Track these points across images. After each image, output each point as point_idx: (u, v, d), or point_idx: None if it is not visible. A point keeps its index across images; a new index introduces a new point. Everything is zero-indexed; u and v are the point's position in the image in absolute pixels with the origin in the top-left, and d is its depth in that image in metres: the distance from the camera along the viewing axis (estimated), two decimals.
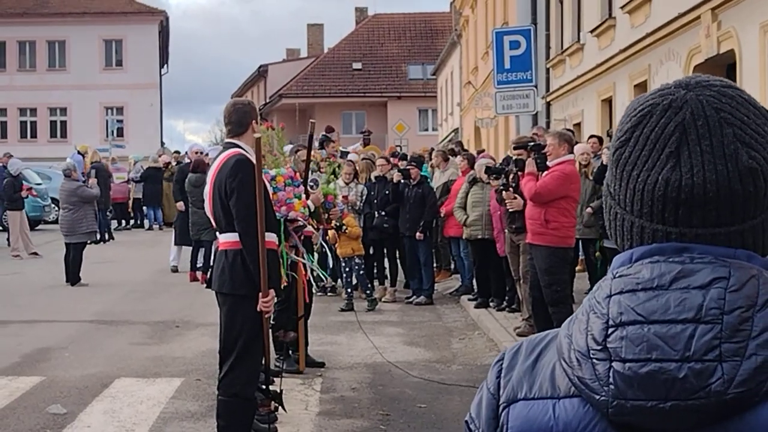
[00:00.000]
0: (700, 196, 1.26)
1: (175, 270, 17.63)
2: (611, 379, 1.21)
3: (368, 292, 13.77)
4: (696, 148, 1.27)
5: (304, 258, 7.76)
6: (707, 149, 1.26)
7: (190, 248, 16.82)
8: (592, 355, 1.23)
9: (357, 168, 15.08)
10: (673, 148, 1.28)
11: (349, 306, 13.22)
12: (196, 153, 18.52)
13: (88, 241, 17.10)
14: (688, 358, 1.18)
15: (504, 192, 10.66)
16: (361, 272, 13.75)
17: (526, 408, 1.31)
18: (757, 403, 1.16)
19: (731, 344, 1.17)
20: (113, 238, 25.21)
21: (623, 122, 1.35)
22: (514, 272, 11.19)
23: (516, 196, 10.42)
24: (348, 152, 18.53)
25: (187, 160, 19.64)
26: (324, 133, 21.29)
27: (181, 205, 17.72)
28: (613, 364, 1.21)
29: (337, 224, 13.25)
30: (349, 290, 13.59)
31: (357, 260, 13.67)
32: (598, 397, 1.22)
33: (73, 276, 16.14)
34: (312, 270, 7.87)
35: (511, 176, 10.72)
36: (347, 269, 13.64)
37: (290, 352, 9.02)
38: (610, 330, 1.23)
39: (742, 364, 1.16)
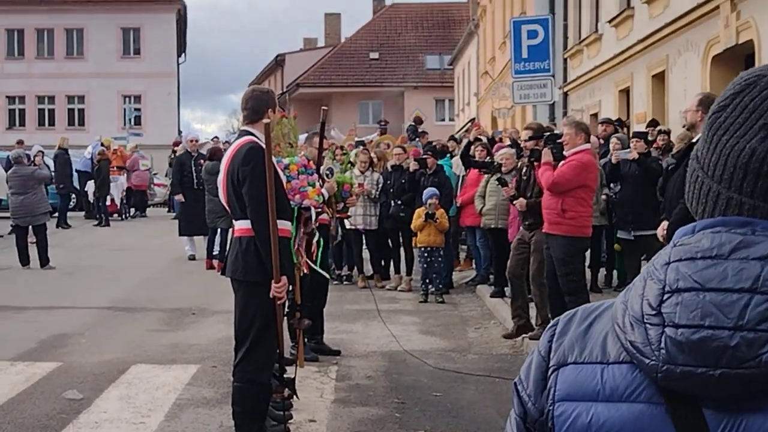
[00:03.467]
0: None
1: (192, 258, 17.67)
2: (662, 344, 1.22)
3: (441, 286, 13.51)
4: None
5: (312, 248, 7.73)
6: None
7: (204, 236, 16.87)
8: (645, 320, 1.24)
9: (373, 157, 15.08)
10: (767, 121, 1.27)
11: (425, 297, 13.29)
12: (192, 142, 18.76)
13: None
14: (741, 327, 1.18)
15: (503, 189, 10.54)
16: (441, 265, 13.55)
17: (575, 372, 1.32)
18: None
19: None
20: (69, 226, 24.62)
21: (727, 89, 1.34)
22: (510, 267, 10.50)
23: (515, 191, 10.33)
24: (364, 142, 18.53)
25: (182, 149, 19.72)
26: (412, 123, 21.18)
27: (180, 197, 17.85)
28: (666, 329, 1.22)
29: (430, 213, 13.20)
30: (427, 280, 13.44)
31: (438, 252, 13.42)
32: (648, 361, 1.23)
33: (44, 259, 16.48)
34: (316, 260, 7.82)
35: (524, 169, 10.64)
36: (427, 260, 13.36)
37: (306, 339, 9.03)
38: (666, 296, 1.24)
39: None
